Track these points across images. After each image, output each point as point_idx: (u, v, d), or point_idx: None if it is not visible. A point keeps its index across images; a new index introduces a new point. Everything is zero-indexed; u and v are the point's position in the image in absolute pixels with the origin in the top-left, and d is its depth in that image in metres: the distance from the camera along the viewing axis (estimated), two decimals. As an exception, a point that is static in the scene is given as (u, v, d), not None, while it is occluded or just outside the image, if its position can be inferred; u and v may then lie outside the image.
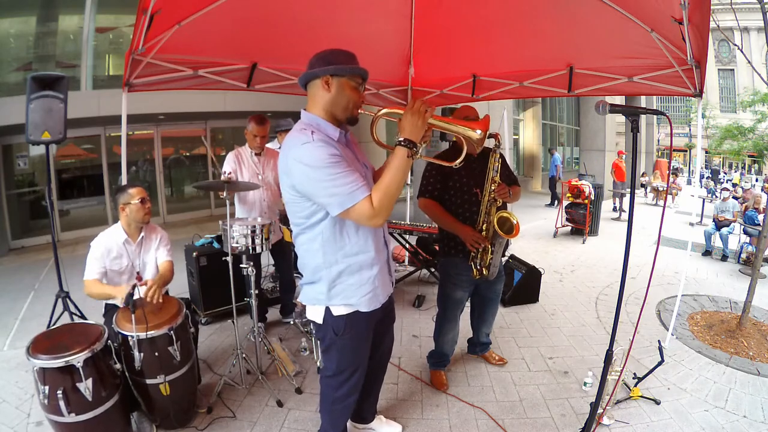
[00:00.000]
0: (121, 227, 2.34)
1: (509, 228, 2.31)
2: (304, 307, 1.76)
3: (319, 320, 1.68)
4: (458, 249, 2.44)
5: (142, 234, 2.39)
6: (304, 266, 1.65)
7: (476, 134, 1.52)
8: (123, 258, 2.33)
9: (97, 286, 2.23)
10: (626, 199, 9.34)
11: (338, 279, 1.60)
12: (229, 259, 2.52)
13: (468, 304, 2.74)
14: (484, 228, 2.35)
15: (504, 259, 2.58)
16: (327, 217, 1.51)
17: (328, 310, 1.65)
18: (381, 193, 1.43)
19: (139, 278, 2.37)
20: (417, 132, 1.45)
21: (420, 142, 1.51)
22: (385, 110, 1.56)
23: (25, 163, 7.01)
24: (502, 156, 2.44)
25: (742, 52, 4.80)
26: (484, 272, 2.39)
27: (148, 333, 1.97)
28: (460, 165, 1.61)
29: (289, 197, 1.54)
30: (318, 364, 1.80)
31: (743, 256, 5.97)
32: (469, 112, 2.42)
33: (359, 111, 1.57)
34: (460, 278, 2.48)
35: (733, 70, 27.85)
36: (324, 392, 1.85)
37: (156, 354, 2.02)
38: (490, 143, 2.38)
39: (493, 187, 2.32)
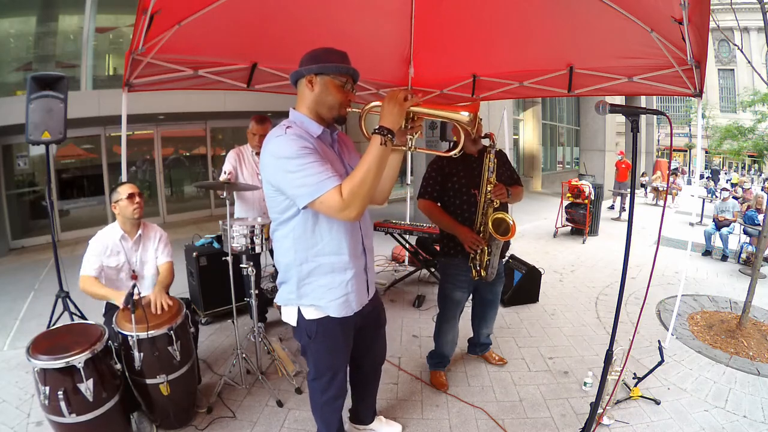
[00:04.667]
0: (117, 225, 2.35)
1: (505, 229, 2.29)
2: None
3: (293, 323, 1.66)
4: (458, 250, 2.43)
5: (140, 232, 2.40)
6: (278, 263, 1.62)
7: (463, 116, 1.43)
8: (120, 255, 2.34)
9: (93, 284, 2.23)
10: (625, 199, 9.34)
11: (307, 278, 1.56)
12: (229, 259, 2.52)
13: (469, 304, 2.74)
14: (481, 229, 2.35)
15: (504, 260, 2.57)
16: (299, 213, 1.47)
17: (300, 312, 1.62)
18: (352, 183, 1.35)
19: (135, 276, 2.38)
20: (393, 119, 1.38)
21: (408, 132, 1.50)
22: (371, 104, 1.52)
23: (25, 163, 7.00)
24: (502, 155, 2.42)
25: (742, 52, 4.81)
26: (483, 273, 2.39)
27: (148, 333, 1.97)
28: (458, 155, 1.57)
29: (266, 192, 1.52)
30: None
31: (743, 256, 5.97)
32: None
33: (347, 110, 1.54)
34: (460, 279, 2.48)
35: (733, 70, 27.87)
36: (311, 395, 1.85)
37: (156, 354, 2.02)
38: (486, 143, 2.38)
39: (489, 188, 2.31)
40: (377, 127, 1.39)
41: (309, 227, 1.51)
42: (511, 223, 2.29)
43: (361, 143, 1.44)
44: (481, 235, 2.34)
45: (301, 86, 1.53)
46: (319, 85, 1.50)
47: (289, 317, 1.66)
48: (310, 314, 1.61)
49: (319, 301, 1.58)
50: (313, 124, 1.53)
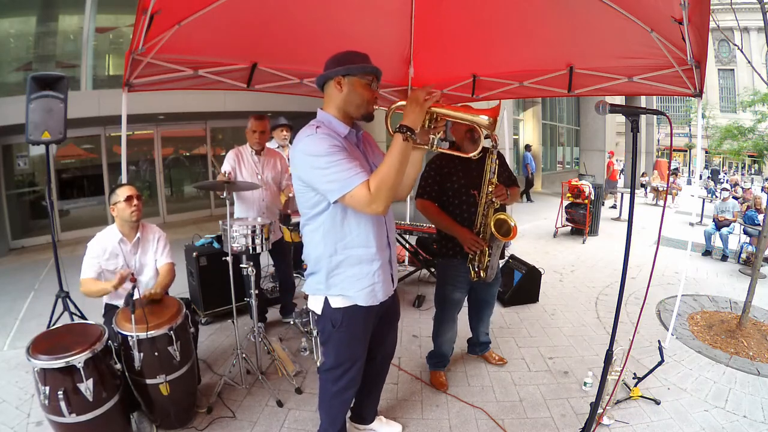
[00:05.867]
0: (115, 227, 2.34)
1: (507, 230, 2.30)
2: (304, 305, 1.78)
3: (319, 311, 1.72)
4: (456, 251, 2.43)
5: (138, 234, 2.39)
6: (308, 257, 1.70)
7: (483, 119, 1.50)
8: (118, 257, 2.33)
9: (92, 283, 2.23)
10: (623, 198, 9.34)
11: (337, 269, 1.64)
12: (229, 259, 2.52)
13: (465, 303, 2.73)
14: (481, 230, 2.34)
15: (503, 261, 2.57)
16: (329, 208, 1.56)
17: (326, 301, 1.69)
18: (378, 178, 1.44)
19: (133, 279, 2.37)
20: (413, 117, 1.46)
21: (431, 132, 1.57)
22: (397, 104, 1.60)
23: (25, 163, 7.01)
24: (501, 156, 2.42)
25: (742, 52, 4.81)
26: (482, 275, 2.39)
27: (147, 333, 1.97)
28: (478, 156, 1.61)
29: (296, 188, 1.61)
30: (318, 363, 1.81)
31: (743, 256, 5.97)
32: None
33: (374, 107, 1.63)
34: (458, 280, 2.48)
35: (733, 70, 27.83)
36: (322, 387, 1.87)
37: (156, 354, 2.02)
38: (487, 143, 2.37)
39: (490, 189, 2.30)
40: (399, 125, 1.47)
41: (338, 221, 1.59)
42: (513, 224, 2.29)
43: (384, 144, 1.48)
44: (480, 236, 2.33)
45: (329, 88, 1.62)
46: (347, 85, 1.58)
47: (315, 305, 1.74)
48: (336, 303, 1.68)
49: (347, 291, 1.66)
50: (340, 125, 1.61)
